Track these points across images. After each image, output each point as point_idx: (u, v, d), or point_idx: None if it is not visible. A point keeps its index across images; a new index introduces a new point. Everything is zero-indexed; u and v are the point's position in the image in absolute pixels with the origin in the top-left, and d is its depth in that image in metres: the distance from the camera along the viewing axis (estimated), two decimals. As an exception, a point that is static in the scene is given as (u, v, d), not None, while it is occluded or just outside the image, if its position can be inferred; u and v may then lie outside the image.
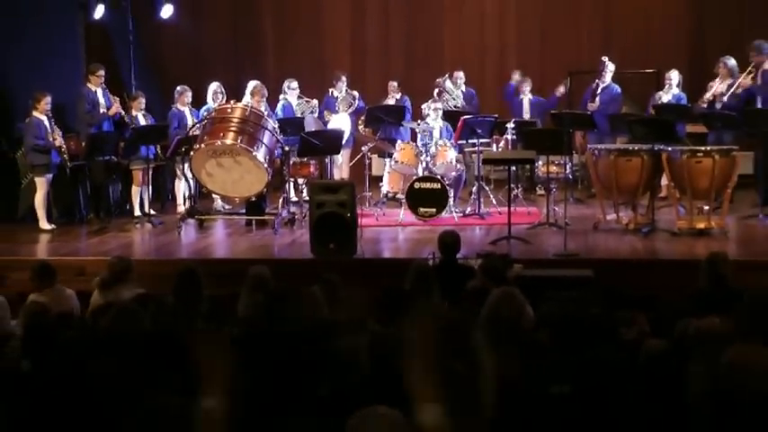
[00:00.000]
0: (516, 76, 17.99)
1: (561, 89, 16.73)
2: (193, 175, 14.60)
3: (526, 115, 17.15)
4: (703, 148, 13.90)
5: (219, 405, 3.20)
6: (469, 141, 15.73)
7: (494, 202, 15.59)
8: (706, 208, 13.63)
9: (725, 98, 15.24)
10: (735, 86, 15.00)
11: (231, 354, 3.38)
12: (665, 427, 4.73)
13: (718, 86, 15.51)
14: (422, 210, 14.59)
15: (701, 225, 13.40)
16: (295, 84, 16.81)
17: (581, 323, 6.37)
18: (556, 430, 4.16)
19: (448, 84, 17.47)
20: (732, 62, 15.49)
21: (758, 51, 15.02)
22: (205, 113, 15.48)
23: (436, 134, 15.66)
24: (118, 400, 4.88)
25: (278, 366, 5.59)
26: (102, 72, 15.46)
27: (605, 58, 16.73)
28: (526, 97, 17.55)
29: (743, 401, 4.68)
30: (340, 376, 5.63)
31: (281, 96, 16.71)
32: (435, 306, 7.44)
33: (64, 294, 9.90)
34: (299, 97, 16.76)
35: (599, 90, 16.62)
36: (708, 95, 15.61)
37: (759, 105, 14.70)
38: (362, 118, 17.03)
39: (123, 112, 15.51)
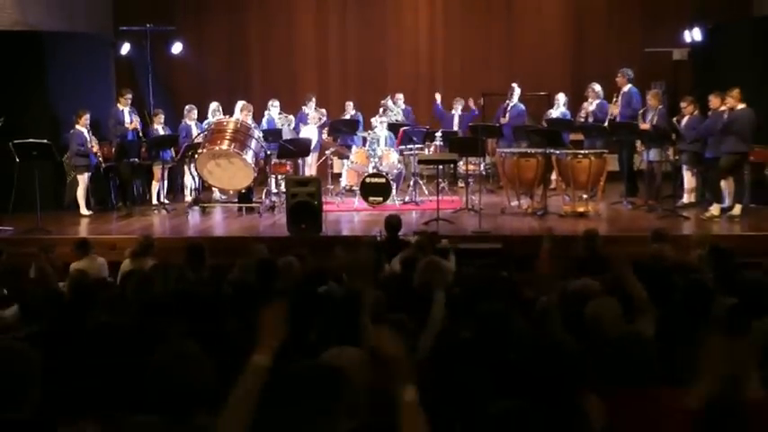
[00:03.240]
0: (438, 98, 17.95)
1: (471, 104, 16.84)
2: (198, 173, 14.64)
3: (456, 127, 17.16)
4: (582, 152, 14.00)
5: (268, 362, 3.14)
6: (407, 146, 15.79)
7: (426, 192, 15.67)
8: (584, 196, 13.75)
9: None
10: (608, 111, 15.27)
11: (286, 318, 3.30)
12: (553, 362, 4.77)
13: (589, 106, 15.71)
14: (372, 198, 14.61)
15: (581, 209, 13.53)
16: (277, 103, 16.80)
17: (491, 283, 6.40)
18: (467, 366, 4.18)
19: (390, 103, 17.47)
20: (598, 87, 15.77)
21: (623, 75, 15.20)
22: (206, 126, 15.44)
23: (382, 141, 15.70)
24: (142, 345, 4.86)
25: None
26: (129, 95, 15.40)
27: (514, 84, 16.84)
28: (457, 113, 17.57)
29: (601, 341, 4.75)
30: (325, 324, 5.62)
31: (266, 112, 16.65)
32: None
33: (96, 262, 9.94)
34: (279, 113, 16.73)
35: (509, 108, 16.71)
36: (582, 113, 15.81)
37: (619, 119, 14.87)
38: (326, 129, 17.08)
39: (140, 128, 15.45)
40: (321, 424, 2.69)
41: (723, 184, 13.44)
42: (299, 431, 2.68)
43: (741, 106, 12.98)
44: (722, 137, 13.10)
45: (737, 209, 13.23)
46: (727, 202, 13.28)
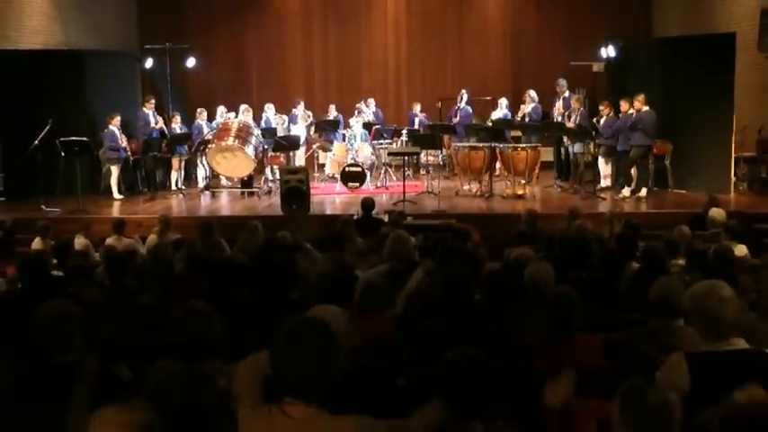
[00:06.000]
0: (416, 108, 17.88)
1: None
2: (208, 164, 14.61)
3: (416, 126, 17.08)
4: (521, 145, 14.09)
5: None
6: (379, 141, 15.78)
7: (394, 179, 15.63)
8: (522, 181, 13.80)
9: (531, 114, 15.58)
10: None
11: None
12: (497, 313, 4.82)
13: (526, 108, 15.81)
14: (350, 184, 14.61)
15: (520, 192, 13.60)
16: (272, 106, 16.68)
17: (449, 251, 6.42)
18: (433, 317, 4.21)
19: (363, 106, 17.43)
20: (533, 93, 15.94)
21: (559, 86, 15.40)
22: (215, 125, 15.37)
23: (358, 137, 15.67)
24: (164, 303, 4.85)
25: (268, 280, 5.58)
26: (153, 101, 15.35)
27: (463, 91, 16.83)
28: (417, 116, 17.51)
29: (535, 294, 4.81)
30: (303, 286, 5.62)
31: (263, 114, 16.56)
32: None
33: (126, 241, 9.90)
34: (274, 114, 16.65)
35: (459, 109, 16.71)
36: (521, 114, 15.90)
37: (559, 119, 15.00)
38: (313, 127, 17.04)
39: (165, 127, 15.34)
40: (320, 363, 2.71)
41: (632, 171, 13.56)
42: (304, 369, 2.68)
43: (645, 108, 13.09)
44: (631, 133, 13.22)
45: (644, 191, 13.36)
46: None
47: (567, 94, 15.31)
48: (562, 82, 15.49)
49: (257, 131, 14.83)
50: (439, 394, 3.00)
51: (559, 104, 15.28)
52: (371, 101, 17.85)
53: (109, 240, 9.63)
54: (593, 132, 13.70)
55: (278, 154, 15.17)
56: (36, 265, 6.00)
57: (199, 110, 16.13)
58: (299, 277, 5.73)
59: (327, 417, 2.68)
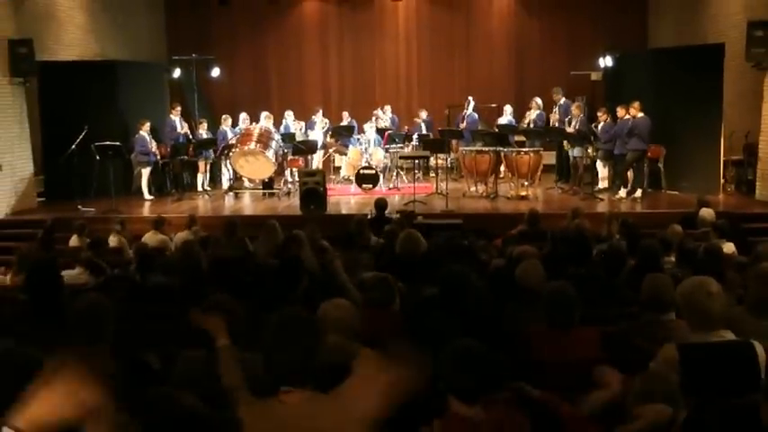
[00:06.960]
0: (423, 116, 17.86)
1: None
2: (232, 166, 14.66)
3: (423, 130, 17.07)
4: (524, 149, 14.05)
5: (228, 341, 3.21)
6: (391, 146, 15.79)
7: (405, 180, 15.66)
8: (526, 183, 13.78)
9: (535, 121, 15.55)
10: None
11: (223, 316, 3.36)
12: (501, 308, 4.81)
13: (531, 115, 15.76)
14: (364, 185, 14.62)
15: (523, 193, 13.58)
16: (291, 113, 16.70)
17: (455, 249, 6.41)
18: (444, 312, 4.19)
19: (379, 112, 17.44)
20: (539, 101, 15.85)
21: (556, 93, 15.34)
22: (238, 131, 15.41)
23: (372, 142, 15.70)
24: (186, 298, 4.86)
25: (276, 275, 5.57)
26: (179, 108, 15.38)
27: (470, 98, 16.79)
28: (422, 120, 17.48)
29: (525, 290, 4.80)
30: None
31: (283, 120, 16.58)
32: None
33: (160, 237, 9.92)
34: (293, 121, 16.67)
35: (466, 116, 16.67)
36: (527, 119, 15.84)
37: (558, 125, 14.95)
38: (329, 133, 17.04)
39: (189, 133, 15.41)
40: (306, 350, 2.74)
41: (629, 173, 13.52)
42: (293, 357, 2.71)
43: (640, 115, 13.06)
44: (627, 138, 13.18)
45: (639, 192, 13.32)
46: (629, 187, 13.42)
47: (562, 101, 15.25)
48: (557, 90, 15.45)
49: (277, 136, 14.88)
50: (443, 382, 3.01)
51: (555, 111, 15.24)
52: (388, 107, 17.86)
53: (147, 235, 9.69)
54: (592, 137, 13.67)
55: (297, 157, 15.19)
56: (43, 266, 6.00)
57: (224, 116, 16.15)
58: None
59: (323, 396, 2.70)
